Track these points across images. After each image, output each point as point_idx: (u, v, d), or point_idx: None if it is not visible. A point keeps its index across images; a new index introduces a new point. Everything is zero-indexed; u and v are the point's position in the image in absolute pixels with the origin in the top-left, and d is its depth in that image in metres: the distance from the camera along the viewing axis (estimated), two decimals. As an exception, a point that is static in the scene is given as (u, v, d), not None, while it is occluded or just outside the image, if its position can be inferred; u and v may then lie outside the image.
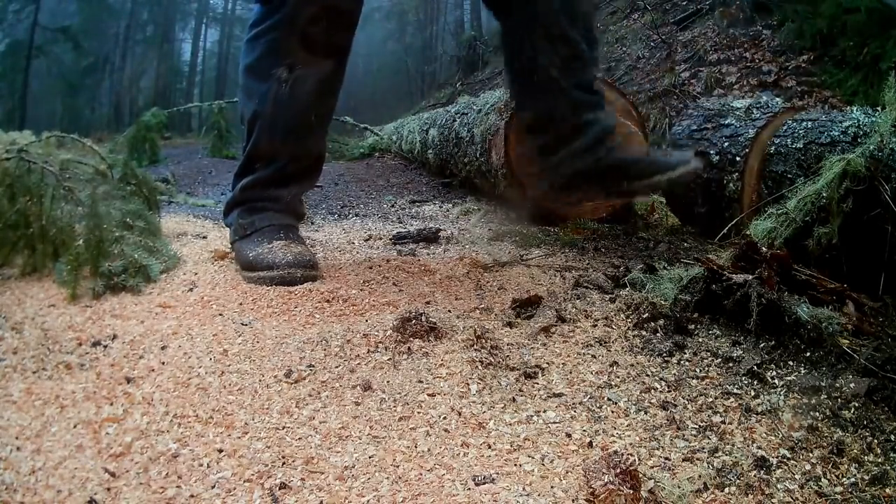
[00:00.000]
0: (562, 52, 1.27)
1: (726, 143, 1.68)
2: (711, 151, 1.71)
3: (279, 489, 0.60)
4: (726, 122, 1.73)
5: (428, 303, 1.13)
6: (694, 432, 0.72)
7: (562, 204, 1.34)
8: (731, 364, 0.88)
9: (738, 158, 1.61)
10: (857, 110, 1.39)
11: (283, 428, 0.70)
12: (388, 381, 0.81)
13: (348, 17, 1.27)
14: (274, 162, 1.34)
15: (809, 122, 1.46)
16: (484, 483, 0.62)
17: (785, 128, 1.52)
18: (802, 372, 0.85)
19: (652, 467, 0.66)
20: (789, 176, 1.43)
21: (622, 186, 1.26)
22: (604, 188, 1.30)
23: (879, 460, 0.67)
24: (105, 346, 0.91)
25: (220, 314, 1.05)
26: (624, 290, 1.19)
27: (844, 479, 0.64)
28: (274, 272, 1.21)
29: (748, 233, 1.27)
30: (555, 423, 0.74)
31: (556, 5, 1.26)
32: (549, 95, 1.29)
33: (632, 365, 0.88)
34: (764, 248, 1.07)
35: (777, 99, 1.87)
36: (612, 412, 0.76)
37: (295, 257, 1.23)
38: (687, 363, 0.89)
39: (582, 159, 1.28)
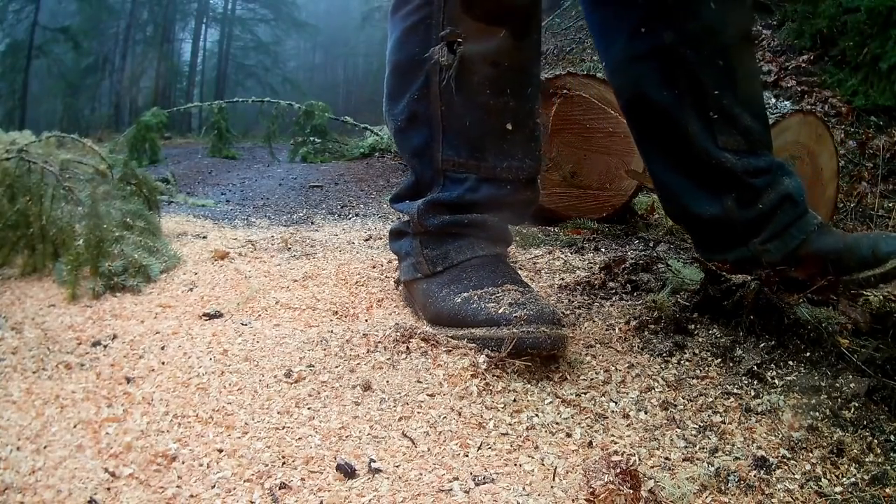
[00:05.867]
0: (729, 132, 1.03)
1: None
2: None
3: (279, 489, 0.60)
4: None
5: (428, 303, 1.13)
6: (694, 432, 0.72)
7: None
8: (731, 364, 0.88)
9: None
10: None
11: (283, 428, 0.70)
12: (387, 381, 0.81)
13: None
14: (457, 181, 0.99)
15: None
16: (484, 483, 0.62)
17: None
18: (802, 372, 0.85)
19: (652, 467, 0.66)
20: None
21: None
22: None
23: (879, 460, 0.67)
24: (105, 346, 0.91)
25: (220, 314, 1.05)
26: (624, 289, 1.19)
27: (844, 479, 0.64)
28: (503, 330, 0.83)
29: None
30: (555, 423, 0.74)
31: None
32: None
33: (632, 365, 0.88)
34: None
35: (786, 102, 1.89)
36: (612, 412, 0.76)
37: (532, 309, 0.84)
38: (687, 363, 0.89)
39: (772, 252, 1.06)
